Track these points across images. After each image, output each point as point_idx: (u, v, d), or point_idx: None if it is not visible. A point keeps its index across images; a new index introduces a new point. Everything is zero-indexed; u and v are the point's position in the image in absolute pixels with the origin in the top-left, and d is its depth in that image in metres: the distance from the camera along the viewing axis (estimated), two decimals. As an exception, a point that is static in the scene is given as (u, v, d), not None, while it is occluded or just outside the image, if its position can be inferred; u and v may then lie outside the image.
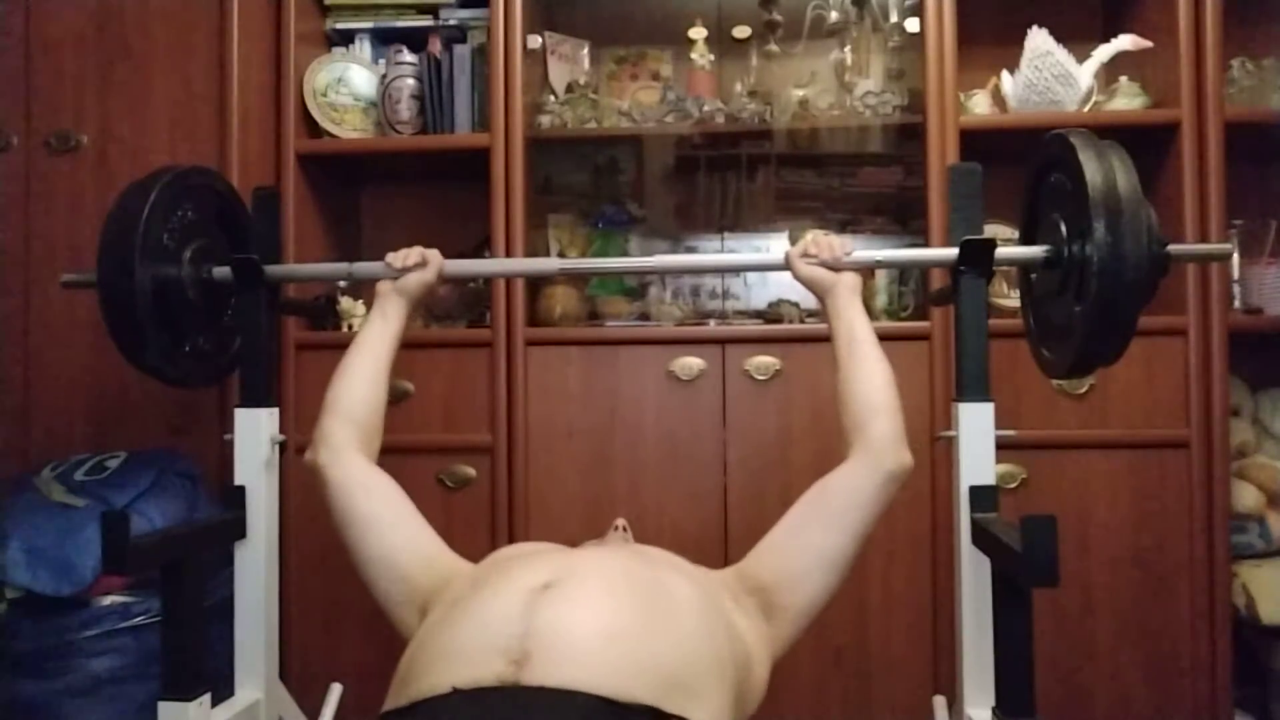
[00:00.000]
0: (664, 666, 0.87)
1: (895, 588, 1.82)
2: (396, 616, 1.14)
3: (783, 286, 2.10)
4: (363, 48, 2.11)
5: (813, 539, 1.14)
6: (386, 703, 0.91)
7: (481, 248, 2.04)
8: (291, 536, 1.85)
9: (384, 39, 2.11)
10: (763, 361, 1.85)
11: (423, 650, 0.93)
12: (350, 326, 1.97)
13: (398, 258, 1.38)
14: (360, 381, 1.30)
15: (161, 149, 1.86)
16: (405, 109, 2.00)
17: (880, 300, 2.04)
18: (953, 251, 1.34)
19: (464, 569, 1.15)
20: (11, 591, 1.58)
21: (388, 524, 1.18)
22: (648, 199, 2.27)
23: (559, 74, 2.17)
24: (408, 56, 2.02)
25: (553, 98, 2.11)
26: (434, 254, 1.39)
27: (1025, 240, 1.39)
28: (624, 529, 1.35)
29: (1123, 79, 1.94)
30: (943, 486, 1.76)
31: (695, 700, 0.87)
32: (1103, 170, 1.14)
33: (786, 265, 1.36)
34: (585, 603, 0.91)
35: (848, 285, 1.31)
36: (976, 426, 1.31)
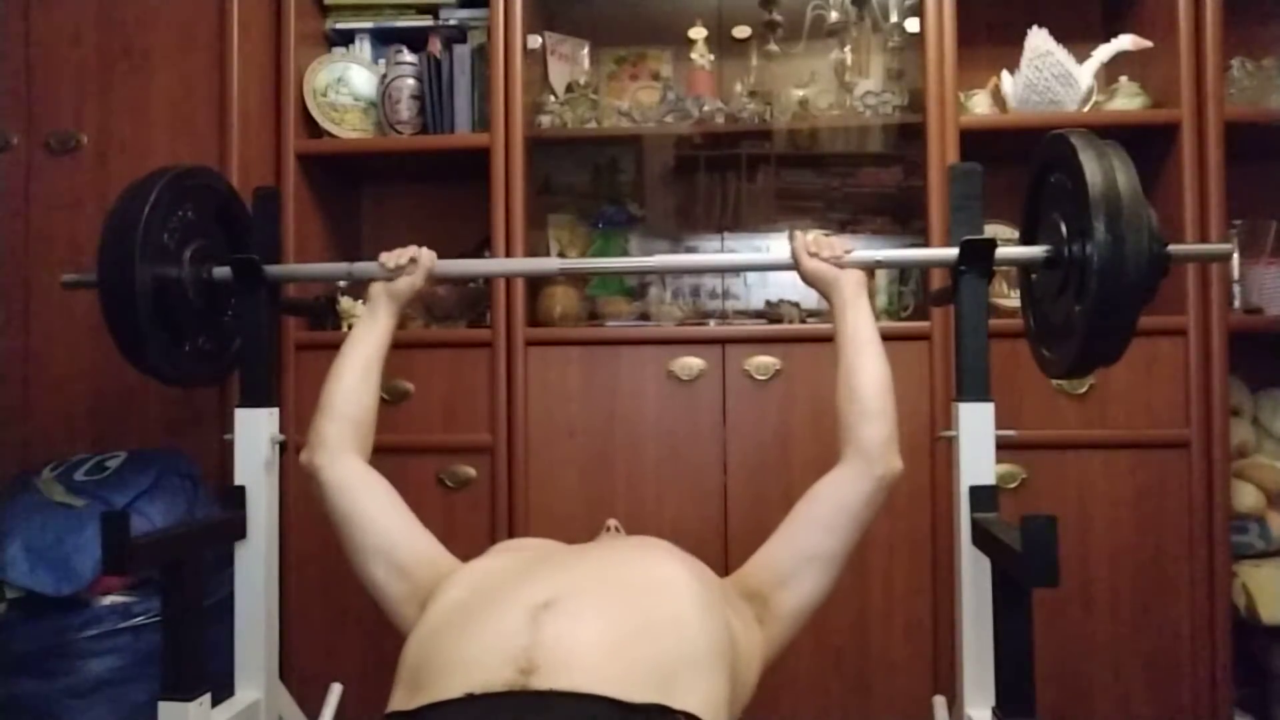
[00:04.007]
0: (665, 661, 0.89)
1: (895, 588, 1.82)
2: (397, 614, 1.14)
3: (783, 286, 2.10)
4: (363, 48, 2.11)
5: (804, 543, 1.16)
6: (393, 704, 0.91)
7: (481, 248, 2.04)
8: (291, 536, 1.85)
9: (384, 39, 2.11)
10: (763, 361, 1.85)
11: (428, 658, 0.94)
12: (350, 326, 1.97)
13: (390, 258, 1.39)
14: (353, 382, 1.31)
15: (161, 149, 1.86)
16: (405, 109, 2.00)
17: (880, 300, 2.04)
18: (953, 251, 1.34)
19: (462, 565, 1.15)
20: (11, 591, 1.57)
21: (387, 520, 1.19)
22: (648, 199, 2.27)
23: (559, 74, 2.17)
24: (408, 56, 2.02)
25: (553, 98, 2.11)
26: (424, 253, 1.40)
27: (1025, 240, 1.39)
28: (616, 529, 1.36)
29: (1123, 79, 1.94)
30: (943, 486, 1.76)
31: (696, 690, 0.89)
32: (1103, 170, 1.14)
33: (793, 259, 1.35)
34: (586, 617, 0.92)
35: (854, 279, 1.31)
36: (976, 426, 1.31)
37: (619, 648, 0.89)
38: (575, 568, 1.06)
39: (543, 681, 0.83)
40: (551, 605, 0.93)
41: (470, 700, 0.83)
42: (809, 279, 1.35)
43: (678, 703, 0.84)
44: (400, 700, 0.91)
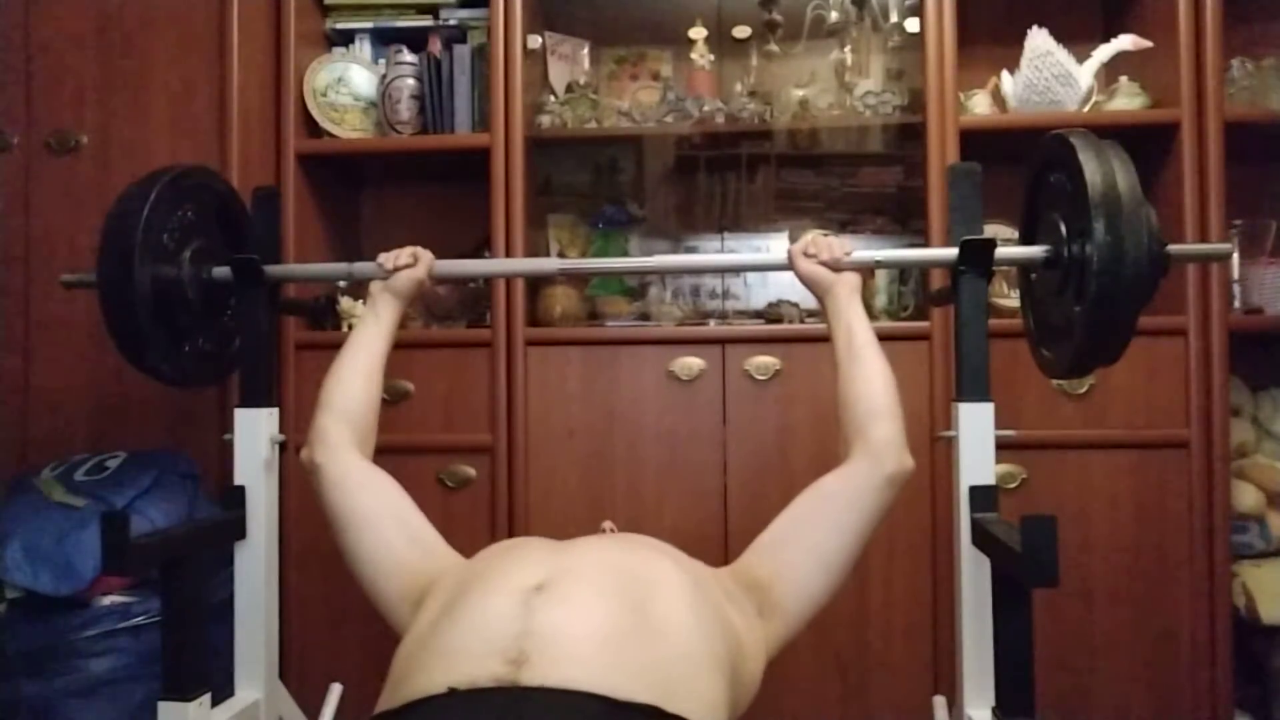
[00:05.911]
0: (660, 664, 0.87)
1: (895, 588, 1.82)
2: (394, 613, 1.12)
3: (783, 286, 2.10)
4: (363, 48, 2.12)
5: (812, 540, 1.13)
6: (380, 703, 0.90)
7: (481, 248, 2.04)
8: (291, 536, 1.85)
9: (384, 39, 2.11)
10: (763, 361, 1.85)
11: (417, 651, 0.92)
12: (350, 326, 1.97)
13: (389, 258, 1.39)
14: (355, 380, 1.30)
15: (161, 149, 1.87)
16: (405, 109, 2.00)
17: (880, 300, 2.04)
18: (953, 251, 1.34)
19: (460, 562, 1.14)
20: (11, 591, 1.58)
21: (388, 517, 1.17)
22: (648, 199, 2.27)
23: (559, 74, 2.17)
24: (408, 56, 2.02)
25: (553, 98, 2.11)
26: (424, 252, 1.41)
27: (1025, 240, 1.39)
28: (611, 531, 1.35)
29: (1123, 79, 1.94)
30: (943, 486, 1.76)
31: (692, 694, 0.87)
32: (1102, 170, 1.14)
33: (789, 262, 1.36)
34: (580, 604, 0.91)
35: (848, 285, 1.31)
36: (976, 426, 1.31)
37: (613, 641, 0.87)
38: (569, 553, 1.04)
39: (532, 676, 0.81)
40: (545, 588, 0.91)
41: (454, 696, 0.81)
42: (804, 281, 1.35)
43: (673, 706, 0.82)
44: (387, 697, 0.89)
